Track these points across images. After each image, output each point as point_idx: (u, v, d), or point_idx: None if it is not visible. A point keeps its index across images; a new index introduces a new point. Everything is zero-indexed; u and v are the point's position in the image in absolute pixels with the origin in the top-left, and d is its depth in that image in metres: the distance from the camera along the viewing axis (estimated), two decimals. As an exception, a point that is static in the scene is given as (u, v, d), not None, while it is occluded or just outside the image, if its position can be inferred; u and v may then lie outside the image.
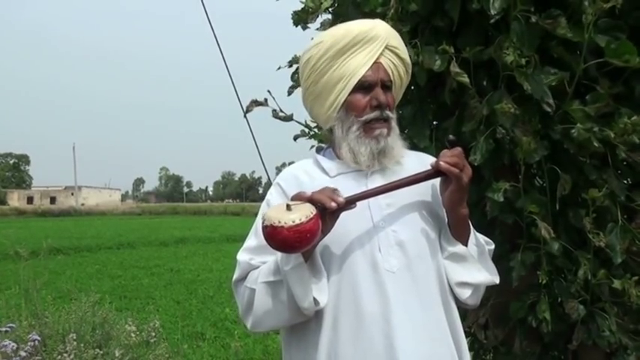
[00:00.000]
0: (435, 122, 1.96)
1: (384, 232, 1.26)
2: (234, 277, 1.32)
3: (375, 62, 1.29)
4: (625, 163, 1.72)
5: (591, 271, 1.69)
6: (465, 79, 1.65)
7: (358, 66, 1.29)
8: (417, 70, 1.72)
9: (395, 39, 1.34)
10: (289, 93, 2.18)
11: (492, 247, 1.41)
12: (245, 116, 2.20)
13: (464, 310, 1.83)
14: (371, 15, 1.77)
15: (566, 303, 1.76)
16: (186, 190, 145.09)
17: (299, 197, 1.16)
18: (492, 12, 1.59)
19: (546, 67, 1.62)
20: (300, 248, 1.11)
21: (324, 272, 1.23)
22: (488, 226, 1.82)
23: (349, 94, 1.30)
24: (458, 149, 1.23)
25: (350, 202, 1.18)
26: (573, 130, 1.60)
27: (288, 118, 2.21)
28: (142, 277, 10.46)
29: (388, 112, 1.31)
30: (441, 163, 1.21)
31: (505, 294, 1.86)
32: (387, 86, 1.32)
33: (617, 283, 1.68)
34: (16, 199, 72.58)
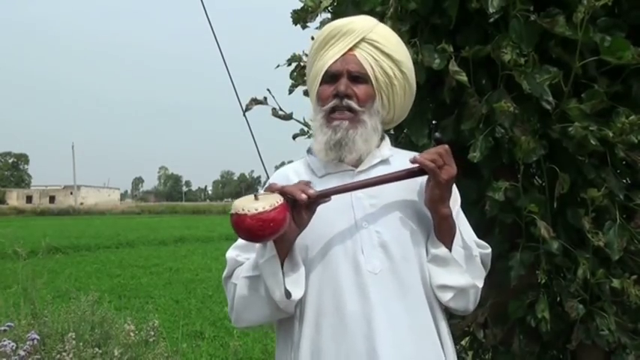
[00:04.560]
0: (434, 121, 1.96)
1: (368, 233, 1.25)
2: (223, 274, 1.34)
3: (346, 54, 1.29)
4: (624, 162, 1.72)
5: (590, 271, 1.69)
6: (464, 77, 1.65)
7: (328, 58, 1.30)
8: (417, 68, 1.72)
9: (377, 34, 1.32)
10: (290, 92, 2.18)
11: (488, 251, 1.37)
12: (244, 115, 2.19)
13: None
14: (370, 14, 1.78)
15: (565, 302, 1.76)
16: (185, 189, 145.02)
17: (271, 188, 1.17)
18: (491, 10, 1.59)
19: (545, 65, 1.62)
20: (264, 237, 1.11)
21: (301, 267, 1.23)
22: (487, 225, 1.83)
23: (320, 86, 1.32)
24: (443, 146, 1.21)
25: (323, 196, 1.18)
26: (571, 129, 1.61)
27: (288, 117, 2.21)
28: (141, 277, 10.46)
29: (349, 102, 1.28)
30: (417, 156, 1.20)
31: (504, 293, 1.86)
32: (356, 77, 1.29)
33: (616, 283, 1.68)
34: (15, 199, 72.52)
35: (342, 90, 1.28)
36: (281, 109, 2.20)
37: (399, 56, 1.33)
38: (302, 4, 2.07)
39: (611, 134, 1.59)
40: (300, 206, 1.16)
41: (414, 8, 1.72)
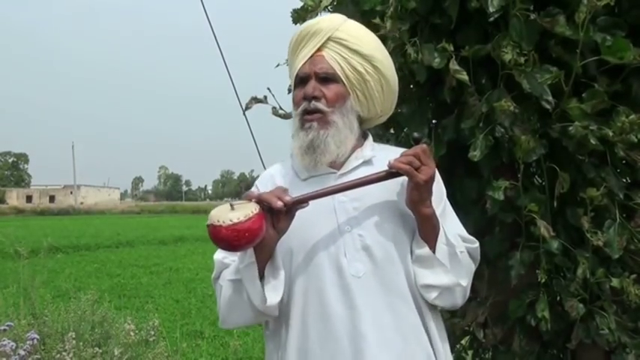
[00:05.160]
0: (434, 120, 1.96)
1: (350, 237, 1.25)
2: (212, 275, 1.35)
3: (314, 55, 1.29)
4: (624, 161, 1.72)
5: (590, 270, 1.69)
6: (465, 76, 1.65)
7: (299, 61, 1.31)
8: (417, 67, 1.72)
9: (344, 31, 1.30)
10: (289, 91, 2.18)
11: (475, 245, 1.33)
12: (244, 114, 2.19)
13: (463, 309, 1.84)
14: (370, 13, 1.78)
15: (565, 301, 1.76)
16: (185, 188, 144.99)
17: (248, 197, 1.17)
18: (491, 10, 1.59)
19: (545, 65, 1.62)
20: (240, 246, 1.12)
21: (281, 272, 1.24)
22: (487, 224, 1.83)
23: (294, 90, 1.33)
24: (421, 147, 1.20)
25: (300, 202, 1.18)
26: (571, 128, 1.61)
27: (288, 116, 2.21)
28: (141, 276, 10.46)
29: (317, 104, 1.28)
30: (391, 160, 1.19)
31: (504, 292, 1.86)
32: (324, 78, 1.29)
33: (615, 282, 1.68)
34: (15, 198, 72.51)
35: (309, 92, 1.28)
36: (281, 108, 2.20)
37: (369, 51, 1.31)
38: (302, 4, 2.07)
39: (611, 133, 1.59)
40: (278, 213, 1.16)
41: (413, 7, 1.72)
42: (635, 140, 1.60)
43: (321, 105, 1.28)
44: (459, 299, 1.29)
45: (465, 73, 1.65)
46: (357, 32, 1.33)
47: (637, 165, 1.67)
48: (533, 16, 1.59)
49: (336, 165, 1.32)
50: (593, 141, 1.59)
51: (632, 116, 1.58)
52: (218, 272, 1.33)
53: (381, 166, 1.26)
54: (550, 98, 1.60)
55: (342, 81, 1.29)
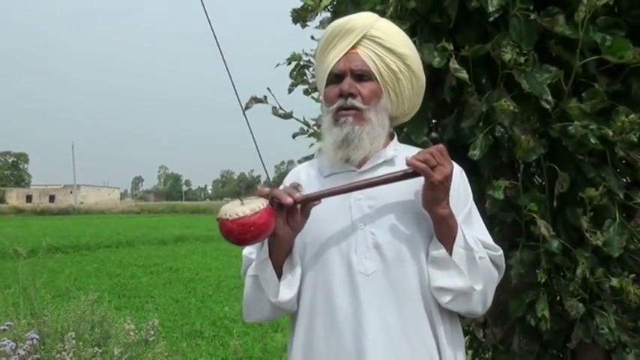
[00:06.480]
0: (434, 120, 1.96)
1: (363, 234, 1.25)
2: (241, 270, 1.38)
3: (348, 52, 1.29)
4: (623, 161, 1.72)
5: (590, 270, 1.69)
6: (464, 75, 1.65)
7: (332, 58, 1.31)
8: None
9: (378, 29, 1.30)
10: (289, 91, 2.18)
11: (498, 253, 1.29)
12: (244, 114, 2.19)
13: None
14: (370, 13, 1.78)
15: (565, 301, 1.76)
16: (185, 188, 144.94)
17: (260, 192, 1.18)
18: (491, 9, 1.59)
19: (545, 64, 1.62)
20: (247, 240, 1.14)
21: (297, 269, 1.25)
22: (487, 224, 1.83)
23: (326, 87, 1.33)
24: (438, 146, 1.19)
25: (312, 199, 1.19)
26: (571, 128, 1.61)
27: (288, 116, 2.21)
28: (141, 276, 10.47)
29: (353, 101, 1.28)
30: (409, 157, 1.19)
31: (504, 292, 1.86)
32: (359, 75, 1.29)
33: (615, 281, 1.68)
34: (14, 198, 72.43)
35: (346, 89, 1.28)
36: (281, 108, 2.20)
37: (402, 49, 1.31)
38: (302, 3, 2.07)
39: (610, 133, 1.59)
40: (292, 209, 1.17)
41: (413, 7, 1.72)
42: (635, 140, 1.60)
43: (357, 102, 1.28)
44: (476, 306, 1.25)
45: (464, 71, 1.65)
46: (390, 31, 1.33)
47: (637, 165, 1.67)
48: (532, 16, 1.59)
49: (359, 162, 1.32)
50: (593, 140, 1.59)
51: (632, 116, 1.58)
52: (245, 267, 1.36)
53: (401, 165, 1.25)
54: (550, 98, 1.60)
55: (377, 79, 1.30)
